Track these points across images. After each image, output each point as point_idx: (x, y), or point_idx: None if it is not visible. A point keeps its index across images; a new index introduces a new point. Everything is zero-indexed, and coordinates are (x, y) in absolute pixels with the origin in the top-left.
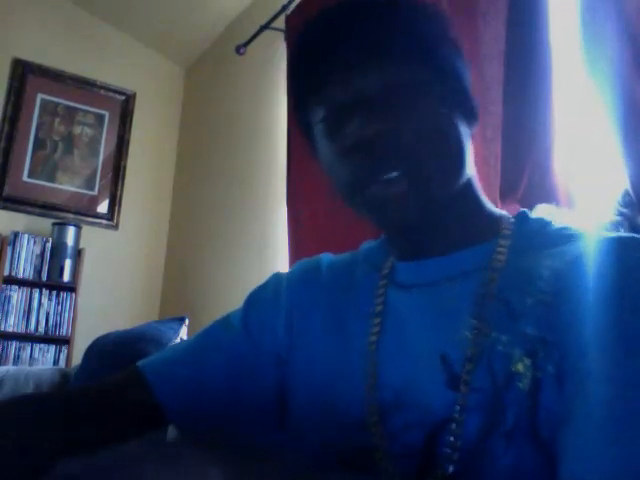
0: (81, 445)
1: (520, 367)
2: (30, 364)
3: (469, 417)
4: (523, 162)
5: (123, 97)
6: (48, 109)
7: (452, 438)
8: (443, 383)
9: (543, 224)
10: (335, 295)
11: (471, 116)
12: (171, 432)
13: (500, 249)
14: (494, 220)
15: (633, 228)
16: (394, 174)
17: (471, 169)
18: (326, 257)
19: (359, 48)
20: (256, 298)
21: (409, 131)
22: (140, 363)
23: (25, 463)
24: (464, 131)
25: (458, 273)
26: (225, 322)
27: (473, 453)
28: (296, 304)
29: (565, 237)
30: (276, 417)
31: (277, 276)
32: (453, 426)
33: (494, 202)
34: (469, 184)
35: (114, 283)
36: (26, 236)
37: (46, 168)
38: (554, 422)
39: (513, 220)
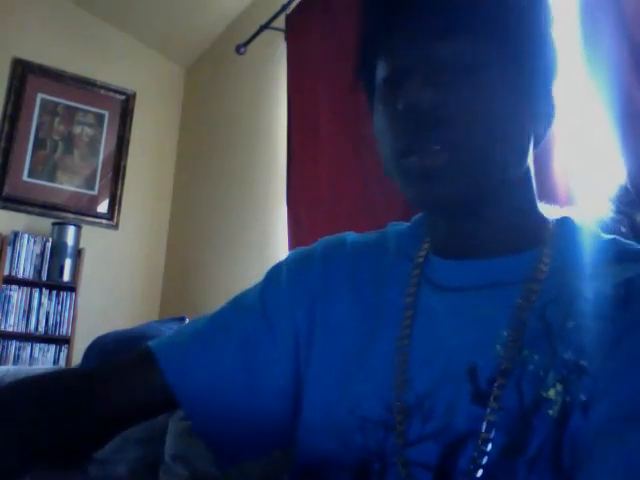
0: (83, 438)
1: (552, 393)
2: (30, 364)
3: (496, 435)
4: None
5: (123, 97)
6: (48, 109)
7: (475, 454)
8: (468, 397)
9: (589, 235)
10: (361, 277)
11: (545, 117)
12: (171, 430)
13: (544, 259)
14: (541, 223)
15: (633, 226)
16: (436, 147)
17: (530, 166)
18: (350, 235)
19: (441, 11)
20: (276, 276)
21: (465, 106)
22: (152, 343)
23: (25, 463)
24: (529, 126)
25: (499, 281)
26: (241, 301)
27: (495, 473)
28: (319, 284)
29: (613, 254)
30: (293, 406)
31: (299, 253)
32: (478, 442)
33: None
34: (525, 180)
35: (114, 283)
36: (26, 236)
37: (46, 168)
38: (577, 452)
39: (557, 226)
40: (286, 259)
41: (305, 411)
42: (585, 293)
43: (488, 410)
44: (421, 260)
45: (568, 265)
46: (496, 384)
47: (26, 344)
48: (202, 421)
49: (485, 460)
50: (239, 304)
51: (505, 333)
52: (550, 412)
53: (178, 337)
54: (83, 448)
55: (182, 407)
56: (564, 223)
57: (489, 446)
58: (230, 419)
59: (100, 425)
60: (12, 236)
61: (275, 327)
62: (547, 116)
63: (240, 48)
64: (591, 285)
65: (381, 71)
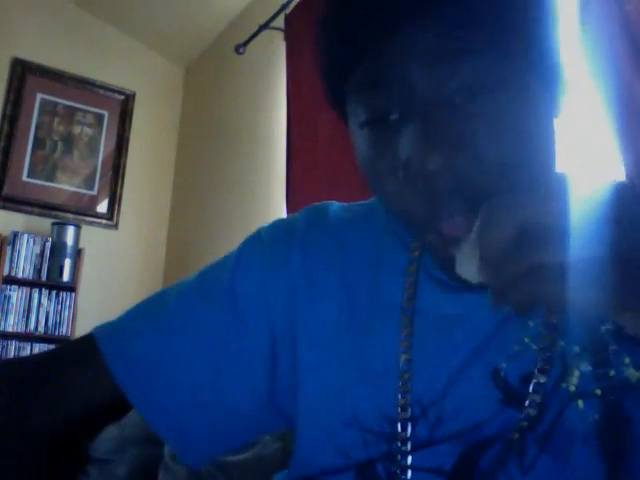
0: (38, 433)
1: (598, 392)
2: None
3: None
4: None
5: (122, 97)
6: (47, 109)
7: (506, 455)
8: (496, 400)
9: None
10: (349, 264)
11: (560, 88)
12: None
13: None
14: None
15: None
16: (456, 218)
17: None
18: (334, 207)
19: (433, 26)
20: (249, 257)
21: (486, 164)
22: (98, 335)
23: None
24: (554, 126)
25: None
26: (208, 285)
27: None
28: (299, 273)
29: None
30: (264, 402)
31: (277, 231)
32: (507, 444)
33: None
34: None
35: (114, 282)
36: (26, 236)
37: (46, 168)
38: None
39: None
40: (263, 234)
41: (300, 422)
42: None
43: (523, 415)
44: (417, 253)
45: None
46: (534, 382)
47: (26, 344)
48: (160, 421)
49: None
50: (206, 289)
51: (532, 323)
52: (563, 384)
53: (127, 324)
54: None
55: (136, 409)
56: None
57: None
58: (193, 418)
59: (55, 424)
60: (12, 236)
61: (246, 319)
62: (560, 87)
63: (239, 48)
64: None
65: (356, 112)
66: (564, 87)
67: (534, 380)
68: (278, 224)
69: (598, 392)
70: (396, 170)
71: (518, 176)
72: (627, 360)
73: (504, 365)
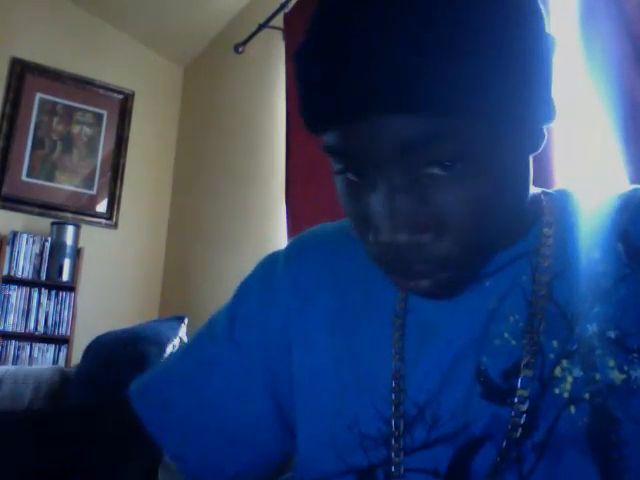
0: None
1: (557, 371)
2: (29, 364)
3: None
4: None
5: (122, 96)
6: (46, 108)
7: (498, 457)
8: (480, 396)
9: (588, 199)
10: (342, 275)
11: (545, 124)
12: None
13: (546, 231)
14: (535, 203)
15: None
16: (422, 281)
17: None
18: (324, 227)
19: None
20: (244, 293)
21: (455, 244)
22: (131, 393)
23: None
24: (529, 165)
25: (496, 268)
26: (211, 330)
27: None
28: (293, 292)
29: (614, 210)
30: (279, 432)
31: (265, 265)
32: (501, 442)
33: None
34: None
35: (113, 282)
36: (25, 235)
37: (45, 167)
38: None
39: (554, 198)
40: (256, 270)
41: (302, 429)
42: (593, 254)
43: (513, 412)
44: None
45: (569, 234)
46: (522, 377)
47: (25, 344)
48: (190, 463)
49: (523, 459)
50: (210, 335)
51: (512, 318)
52: (557, 390)
53: (155, 381)
54: None
55: (167, 454)
56: (560, 194)
57: (522, 445)
58: (216, 456)
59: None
60: (11, 236)
61: (240, 345)
62: (548, 120)
63: (238, 47)
64: (593, 250)
65: (332, 157)
66: (552, 116)
67: (521, 375)
68: (269, 255)
69: (587, 396)
70: (368, 228)
71: (487, 242)
72: (611, 363)
73: (485, 359)
